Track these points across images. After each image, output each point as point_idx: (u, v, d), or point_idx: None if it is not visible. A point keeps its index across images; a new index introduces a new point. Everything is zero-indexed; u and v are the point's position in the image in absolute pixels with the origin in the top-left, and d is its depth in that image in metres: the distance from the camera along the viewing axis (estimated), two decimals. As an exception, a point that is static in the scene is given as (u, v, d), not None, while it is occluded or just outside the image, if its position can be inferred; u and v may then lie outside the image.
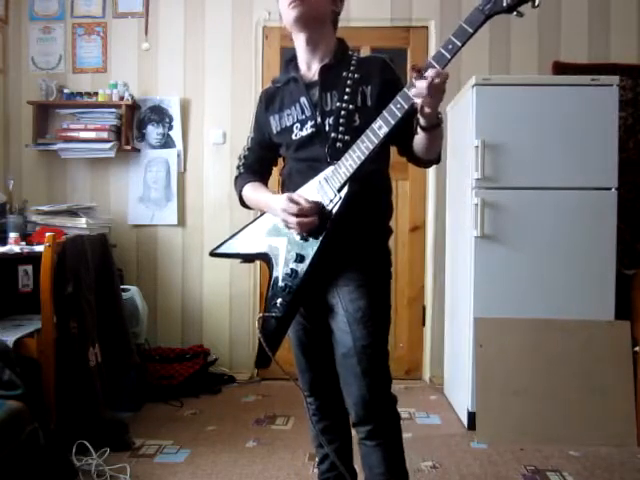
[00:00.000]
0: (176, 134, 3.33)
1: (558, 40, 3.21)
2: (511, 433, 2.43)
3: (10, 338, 2.13)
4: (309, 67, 1.53)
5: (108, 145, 3.17)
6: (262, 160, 1.65)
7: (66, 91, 3.27)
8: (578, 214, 2.52)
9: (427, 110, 1.25)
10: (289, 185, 1.51)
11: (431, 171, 3.21)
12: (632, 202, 3.04)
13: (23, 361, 2.09)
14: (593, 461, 2.24)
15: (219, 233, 3.33)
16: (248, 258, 1.64)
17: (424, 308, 3.36)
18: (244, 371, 3.32)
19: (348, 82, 1.45)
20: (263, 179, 1.64)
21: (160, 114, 3.33)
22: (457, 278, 2.90)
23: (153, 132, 3.34)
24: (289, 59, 1.58)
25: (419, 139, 1.36)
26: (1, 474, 1.66)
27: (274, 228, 1.50)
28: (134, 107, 3.28)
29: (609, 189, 2.52)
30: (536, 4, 1.14)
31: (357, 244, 1.47)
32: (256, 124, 1.63)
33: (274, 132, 1.56)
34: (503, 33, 3.18)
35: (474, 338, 2.52)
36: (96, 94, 3.24)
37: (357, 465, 1.64)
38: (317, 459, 1.70)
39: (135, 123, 3.33)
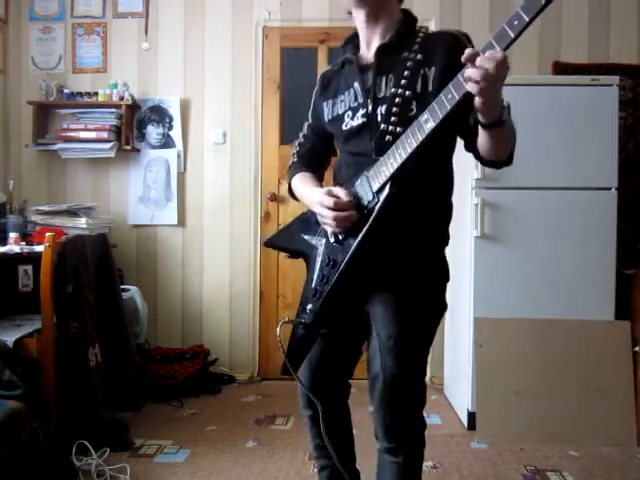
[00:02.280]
0: (176, 134, 3.33)
1: (558, 40, 3.21)
2: (511, 433, 2.43)
3: (10, 338, 2.13)
4: (369, 46, 1.33)
5: (108, 145, 3.16)
6: (316, 149, 1.49)
7: (66, 91, 3.26)
8: (578, 214, 2.52)
9: (480, 101, 1.04)
10: (338, 180, 1.36)
11: (431, 171, 3.21)
12: (632, 202, 3.04)
13: (23, 361, 2.09)
14: (593, 461, 2.24)
15: (219, 233, 3.37)
16: (293, 254, 1.48)
17: (424, 308, 3.34)
18: (244, 371, 3.32)
19: (408, 64, 1.23)
20: (316, 170, 1.48)
21: (160, 114, 3.33)
22: (457, 278, 2.87)
23: (153, 132, 3.34)
24: (349, 38, 1.39)
25: (481, 137, 1.17)
26: (1, 474, 1.67)
27: (314, 226, 1.36)
28: (134, 107, 3.28)
29: (609, 189, 2.53)
30: None
31: (399, 256, 1.28)
32: (312, 109, 1.48)
33: (325, 120, 1.41)
34: (503, 33, 3.17)
35: (474, 338, 2.52)
36: (96, 94, 3.23)
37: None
38: (316, 469, 1.62)
39: (135, 123, 3.32)
